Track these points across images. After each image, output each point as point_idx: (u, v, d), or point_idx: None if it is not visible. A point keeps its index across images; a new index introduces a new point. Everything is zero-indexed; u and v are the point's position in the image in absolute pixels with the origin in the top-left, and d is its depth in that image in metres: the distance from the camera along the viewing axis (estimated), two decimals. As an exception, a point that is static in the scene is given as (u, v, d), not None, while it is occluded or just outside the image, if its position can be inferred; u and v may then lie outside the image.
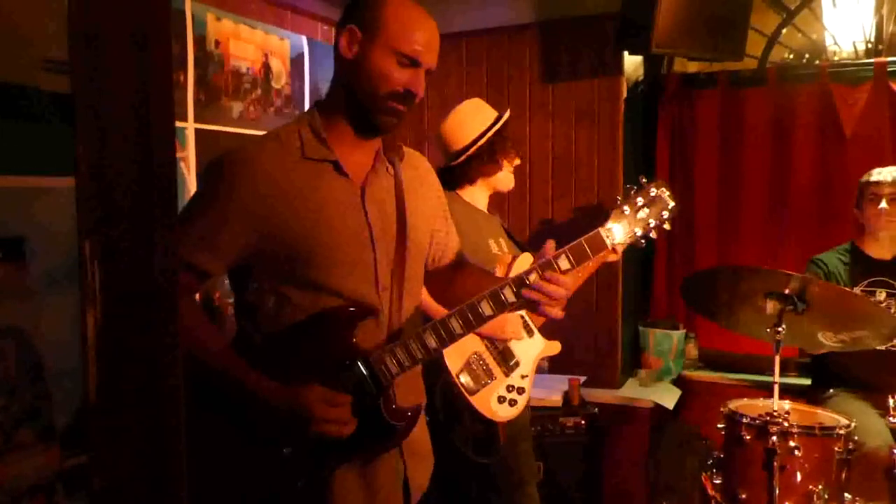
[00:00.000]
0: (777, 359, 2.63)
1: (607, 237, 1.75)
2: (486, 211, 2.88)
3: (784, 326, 2.62)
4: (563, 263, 1.74)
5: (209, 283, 1.81)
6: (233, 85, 3.02)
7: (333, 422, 1.67)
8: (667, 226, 1.80)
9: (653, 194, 1.78)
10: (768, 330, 2.64)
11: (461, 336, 1.76)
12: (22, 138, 0.71)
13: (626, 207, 1.77)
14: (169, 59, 0.81)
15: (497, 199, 2.94)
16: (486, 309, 1.74)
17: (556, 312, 1.78)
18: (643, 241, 1.80)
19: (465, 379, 2.58)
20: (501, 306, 1.74)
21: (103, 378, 0.76)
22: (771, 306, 2.64)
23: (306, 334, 1.72)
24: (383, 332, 1.78)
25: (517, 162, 2.87)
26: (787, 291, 2.60)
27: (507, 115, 2.83)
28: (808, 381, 3.63)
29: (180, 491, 0.84)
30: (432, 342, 1.74)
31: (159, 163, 0.80)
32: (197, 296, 1.77)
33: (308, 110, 1.81)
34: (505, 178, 2.85)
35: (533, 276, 1.73)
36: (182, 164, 2.78)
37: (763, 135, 4.21)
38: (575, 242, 1.75)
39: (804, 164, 4.13)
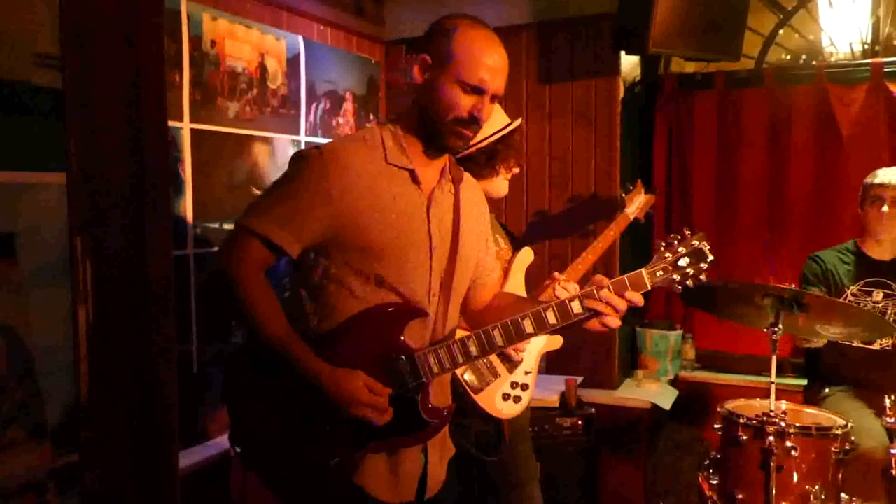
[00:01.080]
0: (774, 359, 2.63)
1: (649, 279, 1.91)
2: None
3: (780, 327, 2.63)
4: (605, 294, 1.88)
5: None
6: (229, 85, 3.01)
7: (372, 408, 1.80)
8: (703, 277, 1.93)
9: (695, 245, 1.93)
10: (765, 330, 2.65)
11: (501, 348, 1.94)
12: (12, 133, 0.70)
13: (668, 254, 1.92)
14: (161, 57, 0.80)
15: (494, 200, 2.92)
16: (527, 326, 1.90)
17: (613, 323, 1.91)
18: (679, 287, 1.94)
19: (469, 377, 2.57)
20: (542, 326, 1.89)
21: (95, 376, 0.76)
22: (768, 308, 2.65)
23: (360, 325, 1.87)
24: (428, 334, 1.94)
25: (515, 171, 2.85)
26: (784, 295, 2.61)
27: (517, 123, 2.79)
28: (804, 382, 3.63)
29: (172, 489, 0.84)
30: (473, 349, 1.90)
31: (151, 160, 0.79)
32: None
33: (391, 121, 1.96)
34: (499, 186, 2.81)
35: (576, 304, 1.88)
36: (178, 165, 2.77)
37: (760, 135, 4.22)
38: (618, 279, 1.89)
39: (801, 164, 4.14)
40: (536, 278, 2.88)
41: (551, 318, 1.89)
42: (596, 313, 1.88)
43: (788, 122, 4.15)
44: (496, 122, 2.78)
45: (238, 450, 1.93)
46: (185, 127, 2.81)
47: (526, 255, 2.84)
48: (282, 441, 1.87)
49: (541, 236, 3.97)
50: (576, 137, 4.00)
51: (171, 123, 2.70)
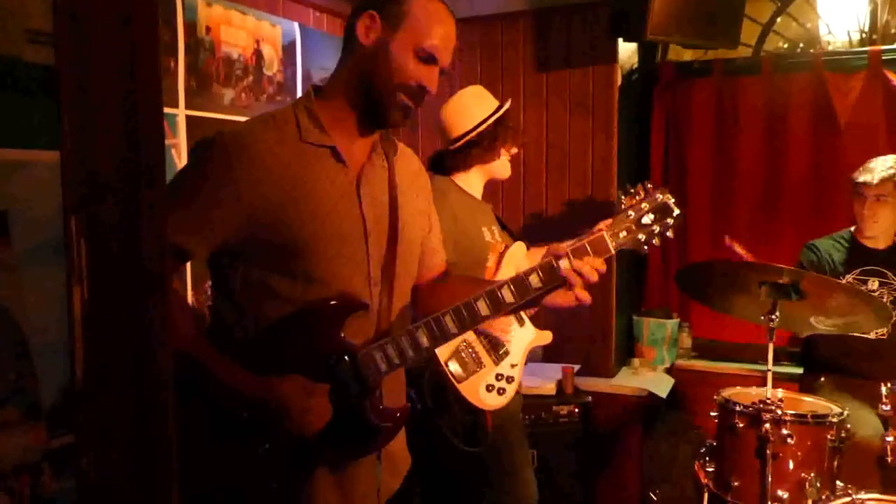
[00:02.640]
0: (770, 347, 2.63)
1: (611, 241, 1.72)
2: (479, 198, 2.87)
3: (778, 314, 2.62)
4: (564, 264, 1.69)
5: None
6: (224, 72, 3.00)
7: (312, 412, 1.61)
8: (670, 233, 1.77)
9: (658, 200, 1.75)
10: (762, 318, 2.64)
11: (455, 335, 1.70)
12: (5, 110, 0.69)
13: (630, 212, 1.74)
14: (155, 34, 0.80)
15: (491, 187, 2.93)
16: (482, 308, 1.68)
17: (586, 297, 1.72)
18: (645, 248, 1.77)
19: (453, 366, 2.57)
20: (498, 307, 1.68)
21: (90, 356, 0.76)
22: (765, 295, 2.64)
23: (290, 327, 1.64)
24: (372, 329, 1.71)
25: (515, 150, 2.86)
26: (781, 281, 2.60)
27: (508, 104, 2.81)
28: (800, 370, 3.66)
29: (170, 471, 0.83)
30: (424, 340, 1.67)
31: (146, 139, 0.79)
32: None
33: (304, 95, 1.74)
34: (502, 166, 2.84)
35: (534, 278, 1.68)
36: (173, 152, 2.76)
37: (757, 123, 4.22)
38: (578, 245, 1.70)
39: (798, 152, 4.14)
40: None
41: (507, 296, 1.67)
42: (557, 286, 1.69)
43: (786, 111, 4.15)
44: (486, 105, 2.82)
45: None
46: (180, 114, 2.80)
47: (518, 249, 2.83)
48: (214, 474, 1.63)
49: (538, 237, 3.96)
50: (573, 125, 3.99)
51: (166, 110, 2.73)
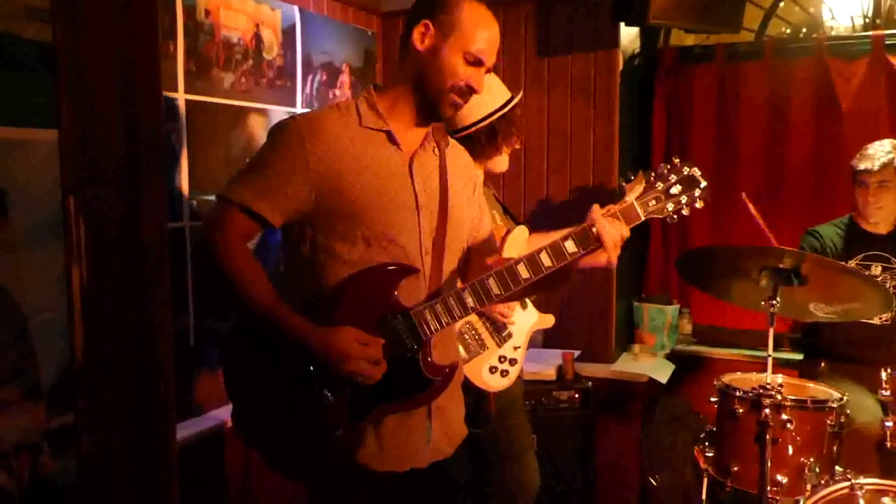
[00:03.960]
0: (771, 332, 2.61)
1: (641, 209, 1.89)
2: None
3: (778, 300, 2.61)
4: (598, 228, 1.88)
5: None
6: (224, 55, 2.99)
7: (365, 360, 1.78)
8: (699, 204, 1.91)
9: (686, 173, 1.91)
10: (763, 303, 2.63)
11: (498, 298, 1.88)
12: (2, 88, 0.69)
13: (658, 184, 1.90)
14: (154, 13, 0.79)
15: (492, 178, 2.91)
16: (522, 271, 1.86)
17: (613, 259, 1.91)
18: (675, 217, 1.92)
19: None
20: (538, 269, 1.86)
21: (90, 336, 0.75)
22: (766, 281, 2.63)
23: (350, 288, 1.86)
24: (423, 293, 1.92)
25: (517, 146, 2.85)
26: (781, 266, 2.59)
27: (518, 97, 2.78)
28: (800, 356, 3.65)
29: (169, 450, 0.83)
30: (470, 300, 1.87)
31: (145, 119, 0.78)
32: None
33: (366, 89, 1.99)
34: (500, 162, 2.82)
35: (570, 244, 1.86)
36: (173, 136, 2.76)
37: (760, 109, 4.20)
38: (611, 211, 1.88)
39: (800, 138, 4.12)
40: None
41: (546, 260, 1.87)
42: (592, 250, 1.88)
43: (788, 96, 4.13)
44: (495, 97, 2.76)
45: (241, 431, 1.93)
46: (180, 98, 2.79)
47: (520, 233, 2.82)
48: (282, 417, 1.86)
49: (539, 222, 3.95)
50: (574, 111, 3.97)
51: (166, 94, 2.71)
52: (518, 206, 3.98)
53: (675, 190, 1.91)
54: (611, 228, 1.88)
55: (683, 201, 1.91)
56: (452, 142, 2.11)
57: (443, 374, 1.91)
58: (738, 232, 4.20)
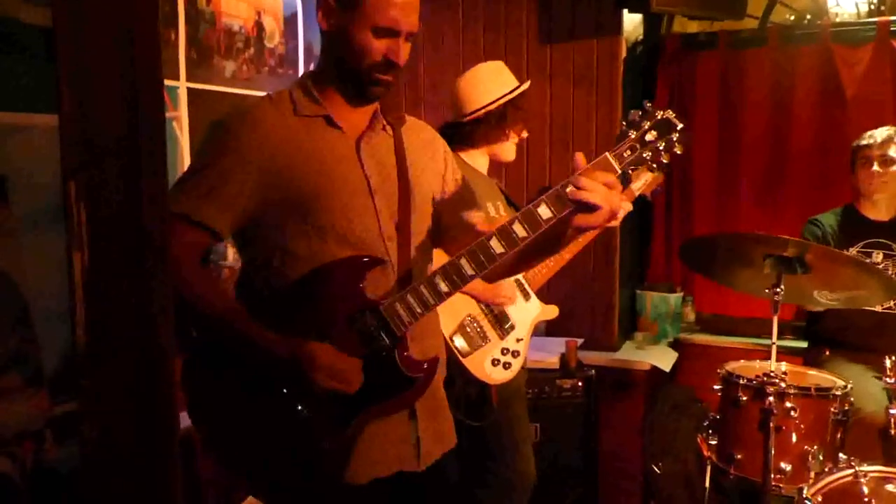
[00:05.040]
0: (775, 320, 2.62)
1: (615, 161, 1.66)
2: (484, 173, 2.85)
3: (782, 288, 2.59)
4: (570, 189, 1.64)
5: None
6: (225, 44, 2.98)
7: (340, 371, 1.66)
8: (678, 149, 1.71)
9: (659, 117, 1.69)
10: (767, 290, 2.62)
11: (472, 277, 1.71)
12: (2, 72, 0.69)
13: (631, 132, 1.68)
14: (154, -3, 0.79)
15: (494, 162, 2.91)
16: (496, 246, 1.68)
17: (616, 213, 1.69)
18: (654, 166, 1.72)
19: (458, 341, 2.57)
20: (512, 242, 1.67)
21: (92, 322, 0.75)
22: (770, 268, 2.62)
23: (313, 286, 1.72)
24: (391, 282, 1.78)
25: (525, 135, 2.84)
26: (785, 254, 2.58)
27: (526, 85, 2.77)
28: (804, 344, 3.65)
29: (172, 438, 0.83)
30: (443, 286, 1.72)
31: (146, 103, 0.78)
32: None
33: (300, 77, 1.87)
34: (507, 149, 2.82)
35: (543, 209, 1.65)
36: (174, 124, 2.75)
37: (763, 96, 4.19)
38: (583, 169, 1.65)
39: (804, 125, 4.11)
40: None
41: (519, 230, 1.65)
42: (570, 213, 1.65)
43: (792, 83, 4.11)
44: (502, 83, 2.77)
45: (216, 457, 1.80)
46: (181, 86, 2.78)
47: None
48: (260, 439, 1.73)
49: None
50: (577, 99, 3.96)
51: (167, 82, 2.71)
52: (521, 195, 3.95)
53: (650, 136, 1.68)
54: (591, 182, 1.61)
55: (661, 147, 1.68)
56: (411, 120, 1.96)
57: (422, 370, 1.77)
58: (741, 219, 4.20)
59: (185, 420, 2.68)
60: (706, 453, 2.83)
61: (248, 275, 1.84)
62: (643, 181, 3.17)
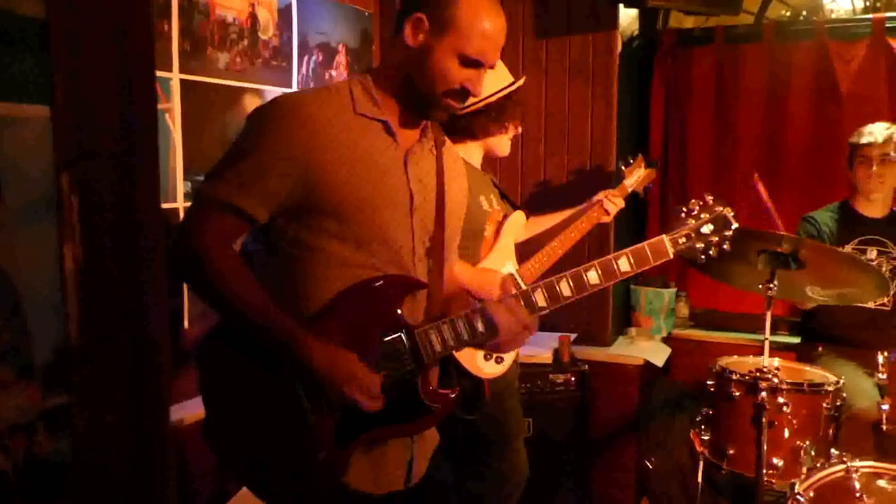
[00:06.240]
0: (768, 315, 2.63)
1: (671, 246, 1.80)
2: (478, 167, 2.85)
3: (776, 283, 2.61)
4: (624, 265, 1.81)
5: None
6: (219, 35, 2.96)
7: (366, 392, 1.64)
8: (727, 246, 1.85)
9: (718, 212, 1.85)
10: (760, 286, 2.64)
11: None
12: (-5, 64, 0.69)
13: (690, 220, 1.83)
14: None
15: (488, 157, 2.90)
16: (539, 300, 1.77)
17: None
18: (702, 257, 1.86)
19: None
20: (556, 300, 1.78)
21: (84, 315, 0.75)
22: (763, 264, 2.64)
23: (350, 299, 1.69)
24: (421, 308, 1.78)
25: (519, 130, 2.85)
26: (780, 250, 2.60)
27: (521, 80, 2.78)
28: (797, 340, 3.66)
29: (163, 430, 0.83)
30: (480, 326, 1.74)
31: (139, 96, 0.78)
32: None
33: (360, 75, 1.79)
34: (503, 143, 2.81)
35: (592, 274, 1.79)
36: (167, 116, 2.75)
37: (759, 92, 4.20)
38: (638, 246, 1.80)
39: (800, 121, 4.12)
40: (525, 249, 2.90)
41: (565, 290, 1.80)
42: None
43: (788, 79, 4.12)
44: (500, 77, 2.75)
45: (212, 444, 1.76)
46: (174, 77, 2.77)
47: (518, 219, 2.83)
48: (263, 433, 1.70)
49: (536, 206, 3.95)
50: (572, 93, 3.96)
51: (160, 74, 2.69)
52: (515, 189, 3.97)
53: (707, 229, 1.84)
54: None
55: (714, 241, 1.83)
56: (448, 143, 1.95)
57: (444, 401, 1.77)
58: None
59: (174, 413, 2.76)
60: (699, 448, 2.84)
61: (266, 265, 1.77)
62: (636, 177, 3.18)
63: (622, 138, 3.98)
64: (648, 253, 1.80)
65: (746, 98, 4.23)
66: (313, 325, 1.67)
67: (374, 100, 1.73)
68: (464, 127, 2.73)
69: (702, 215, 1.84)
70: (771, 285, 2.61)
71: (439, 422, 1.81)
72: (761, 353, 2.65)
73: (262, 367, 1.68)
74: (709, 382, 2.82)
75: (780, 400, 2.58)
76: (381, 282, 1.71)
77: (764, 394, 2.55)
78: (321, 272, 1.69)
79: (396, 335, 1.70)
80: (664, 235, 1.81)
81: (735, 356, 2.96)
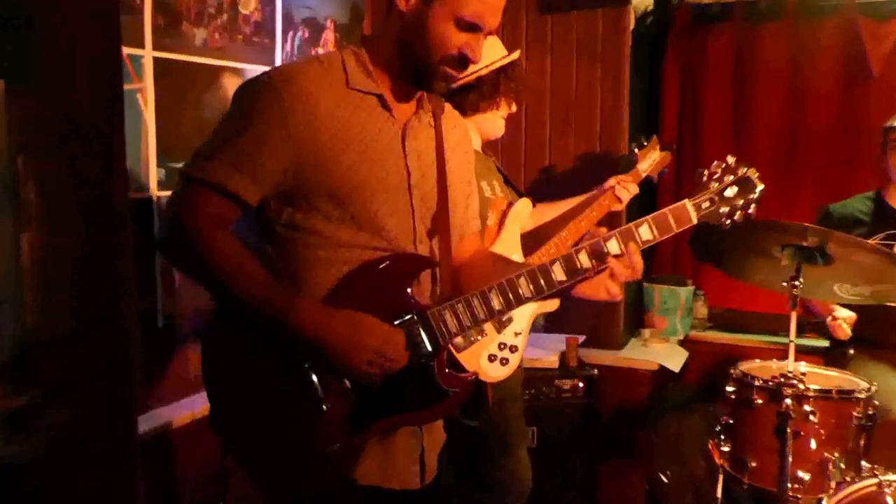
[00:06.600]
0: (793, 316, 2.61)
1: (694, 211, 1.80)
2: (479, 150, 2.83)
3: (801, 280, 2.59)
4: (645, 233, 1.79)
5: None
6: (196, 9, 2.93)
7: (388, 357, 1.68)
8: (752, 210, 1.86)
9: (741, 173, 1.84)
10: (784, 283, 2.62)
11: (528, 300, 1.78)
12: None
13: (713, 184, 1.82)
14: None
15: (490, 144, 2.92)
16: (558, 273, 1.75)
17: (618, 291, 1.81)
18: (727, 222, 1.85)
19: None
20: (575, 273, 1.76)
21: (44, 311, 0.74)
22: (788, 259, 2.63)
23: (358, 281, 1.74)
24: (428, 289, 1.83)
25: (514, 109, 2.85)
26: (805, 244, 2.58)
27: (516, 54, 2.79)
28: (826, 343, 3.65)
29: (131, 426, 0.82)
30: (497, 303, 1.76)
31: (104, 72, 0.76)
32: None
33: (353, 45, 1.83)
34: (495, 123, 2.83)
35: (613, 244, 1.77)
36: (138, 97, 2.71)
37: (780, 73, 4.20)
38: (659, 212, 1.79)
39: (824, 105, 4.12)
40: (531, 240, 2.88)
41: (584, 260, 1.76)
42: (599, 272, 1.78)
43: (813, 60, 4.12)
44: (495, 50, 2.75)
45: (220, 433, 1.80)
46: (147, 55, 2.73)
47: (523, 207, 2.82)
48: (269, 424, 1.74)
49: (540, 193, 3.93)
50: (579, 73, 3.95)
51: (131, 51, 2.66)
52: (518, 175, 3.96)
53: (731, 192, 1.83)
54: (634, 259, 1.79)
55: (739, 204, 1.83)
56: (448, 108, 1.98)
57: (462, 384, 1.81)
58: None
59: (159, 419, 2.74)
60: (717, 460, 2.82)
61: (257, 250, 1.79)
62: (650, 161, 3.16)
63: (633, 121, 3.97)
64: (671, 219, 1.79)
65: (767, 80, 4.22)
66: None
67: (369, 72, 1.77)
68: (452, 103, 2.72)
69: (725, 177, 1.83)
70: (796, 283, 2.59)
71: (456, 409, 1.85)
72: (786, 357, 2.64)
73: (270, 352, 1.72)
74: (728, 389, 2.80)
75: (807, 408, 2.57)
76: (387, 262, 1.75)
77: (789, 401, 2.53)
78: (320, 256, 1.74)
79: (408, 318, 1.74)
80: (686, 200, 1.81)
81: (757, 360, 2.94)
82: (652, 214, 1.79)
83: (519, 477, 2.88)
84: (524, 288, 1.75)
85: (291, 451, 1.74)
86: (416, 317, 1.75)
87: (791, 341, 2.62)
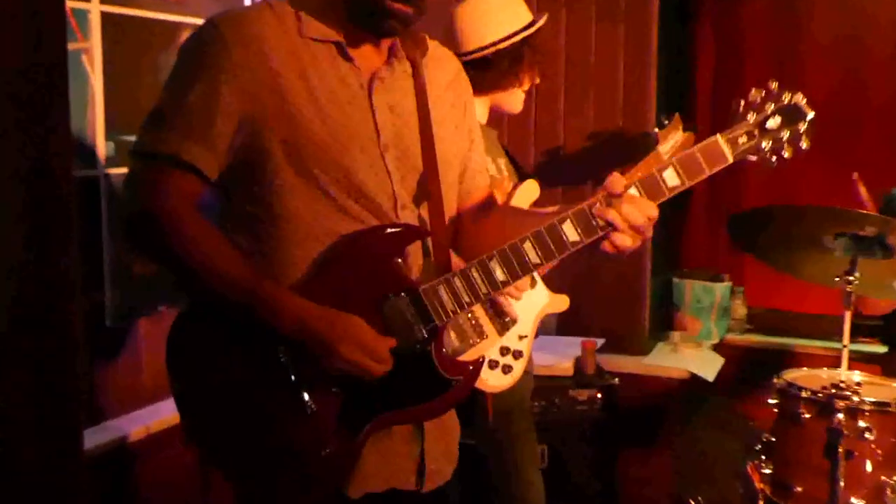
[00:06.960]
0: (847, 317, 2.60)
1: (728, 148, 1.70)
2: (485, 125, 2.77)
3: (858, 275, 2.57)
4: (671, 179, 1.69)
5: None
6: (151, -42, 2.87)
7: (369, 351, 1.65)
8: (804, 143, 1.74)
9: (785, 101, 1.73)
10: (837, 279, 2.61)
11: (537, 267, 1.73)
12: None
13: (750, 115, 1.72)
14: None
15: (494, 113, 2.86)
16: (570, 233, 1.69)
17: (636, 242, 1.72)
18: (774, 159, 1.74)
19: (448, 336, 2.49)
20: (591, 231, 1.68)
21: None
22: (842, 250, 2.61)
23: (334, 260, 1.72)
24: (419, 263, 1.80)
25: (537, 80, 2.84)
26: (862, 233, 2.57)
27: (543, 20, 2.76)
28: (884, 349, 3.63)
29: (75, 443, 0.78)
30: (500, 273, 1.72)
31: (45, 29, 0.68)
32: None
33: None
34: (516, 98, 2.82)
35: (634, 192, 1.69)
36: (84, 58, 2.66)
37: (831, 40, 4.21)
38: (686, 152, 1.70)
39: (883, 78, 4.11)
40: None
41: (600, 220, 1.68)
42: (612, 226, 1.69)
43: (869, 26, 4.11)
44: (516, 14, 2.75)
45: (196, 444, 1.79)
46: (93, 9, 2.69)
47: (530, 188, 2.77)
48: (253, 431, 1.73)
49: (552, 177, 3.87)
50: (599, 37, 3.93)
51: (75, 4, 2.62)
52: (526, 155, 3.93)
53: (773, 123, 1.71)
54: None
55: (784, 138, 1.72)
56: (433, 46, 1.93)
57: (465, 372, 1.79)
58: (802, 189, 4.16)
59: (112, 431, 2.73)
60: (758, 484, 2.78)
61: (230, 232, 1.77)
62: (672, 143, 3.11)
63: (662, 92, 3.97)
64: (700, 158, 1.69)
65: (815, 48, 4.24)
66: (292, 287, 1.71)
67: (324, 18, 1.74)
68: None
69: (766, 106, 1.72)
70: (850, 277, 2.58)
71: (462, 400, 1.83)
72: (838, 365, 2.63)
73: (249, 352, 1.71)
74: (771, 401, 2.79)
75: (862, 424, 2.54)
76: (370, 235, 1.73)
77: (841, 416, 2.51)
78: (292, 232, 1.71)
79: (398, 297, 1.72)
80: (718, 135, 1.71)
81: (805, 368, 2.93)
82: (677, 155, 1.70)
83: (529, 502, 2.85)
84: (530, 253, 1.70)
85: (280, 459, 1.73)
86: (405, 294, 1.72)
87: (844, 346, 2.61)
